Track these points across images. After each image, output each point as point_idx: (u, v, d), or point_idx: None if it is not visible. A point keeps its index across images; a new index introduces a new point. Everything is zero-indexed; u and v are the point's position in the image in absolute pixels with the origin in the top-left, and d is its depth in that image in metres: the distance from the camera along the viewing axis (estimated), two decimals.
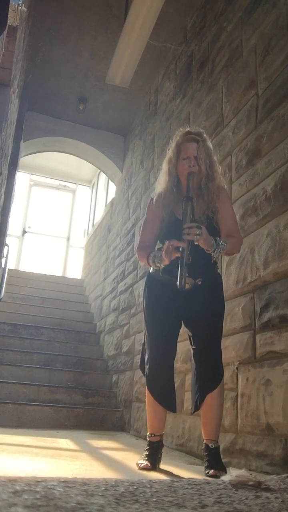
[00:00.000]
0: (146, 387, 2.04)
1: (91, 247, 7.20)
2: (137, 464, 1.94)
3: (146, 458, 1.94)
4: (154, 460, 1.93)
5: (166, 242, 1.85)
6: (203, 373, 1.95)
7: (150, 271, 2.13)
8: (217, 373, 1.95)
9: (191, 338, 2.03)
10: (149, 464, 1.90)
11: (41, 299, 5.96)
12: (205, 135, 2.10)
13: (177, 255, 1.83)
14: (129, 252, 4.63)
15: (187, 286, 1.84)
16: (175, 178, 2.06)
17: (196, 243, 1.83)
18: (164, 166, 2.11)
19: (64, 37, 4.40)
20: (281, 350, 1.90)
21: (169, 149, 2.10)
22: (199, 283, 1.95)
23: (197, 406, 1.93)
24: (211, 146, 2.09)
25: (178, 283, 1.78)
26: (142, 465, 1.91)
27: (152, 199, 2.14)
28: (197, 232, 1.80)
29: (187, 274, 1.79)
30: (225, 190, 2.09)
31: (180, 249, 1.81)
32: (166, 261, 1.88)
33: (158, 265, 1.94)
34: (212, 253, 1.87)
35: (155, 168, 4.22)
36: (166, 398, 2.00)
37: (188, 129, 2.10)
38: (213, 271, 2.06)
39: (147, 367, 2.03)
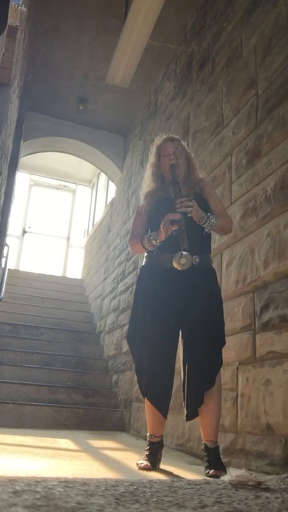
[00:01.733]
0: (144, 396, 1.99)
1: (91, 247, 7.20)
2: (137, 464, 1.94)
3: (146, 458, 1.93)
4: (154, 460, 1.93)
5: (166, 217, 1.97)
6: (195, 381, 1.91)
7: (144, 264, 2.13)
8: (208, 381, 1.90)
9: (186, 336, 2.00)
10: (149, 464, 1.90)
11: (41, 299, 5.96)
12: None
13: (174, 228, 1.94)
14: (129, 252, 4.63)
15: (184, 262, 1.94)
16: (159, 177, 2.21)
17: (189, 215, 1.97)
18: (148, 170, 2.26)
19: (64, 37, 4.40)
20: (281, 350, 1.90)
21: (150, 155, 2.27)
22: (197, 260, 1.98)
23: (190, 414, 1.91)
24: (186, 146, 2.27)
25: (181, 247, 1.90)
26: (142, 465, 1.91)
27: (140, 199, 2.26)
28: (189, 204, 1.96)
29: (186, 238, 1.90)
30: (205, 180, 2.24)
31: (176, 221, 1.93)
32: (163, 236, 1.97)
33: (154, 242, 2.02)
34: (203, 226, 2.02)
35: None
36: (163, 405, 1.95)
37: (164, 135, 2.30)
38: (207, 253, 2.09)
39: (141, 369, 1.99)
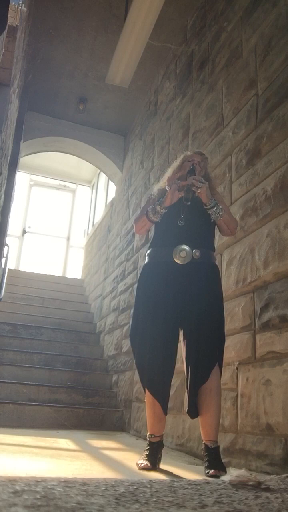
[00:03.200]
0: (146, 388, 2.02)
1: (91, 247, 7.20)
2: (137, 464, 1.94)
3: (146, 458, 1.93)
4: (154, 460, 1.93)
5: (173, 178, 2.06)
6: (194, 378, 1.91)
7: (145, 261, 2.14)
8: (202, 376, 1.90)
9: (185, 333, 2.01)
10: (149, 464, 1.90)
11: (41, 299, 5.96)
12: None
13: (180, 195, 2.00)
14: (129, 252, 4.63)
15: (184, 255, 1.96)
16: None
17: (198, 191, 2.00)
18: (168, 172, 2.29)
19: (64, 37, 4.40)
20: (281, 350, 1.90)
21: (175, 161, 2.32)
22: (197, 254, 1.99)
23: (193, 412, 1.92)
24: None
25: (184, 199, 1.97)
26: (142, 465, 1.91)
27: (151, 191, 2.34)
28: (202, 180, 2.01)
29: (191, 196, 1.96)
30: (217, 190, 2.29)
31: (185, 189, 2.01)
32: (168, 201, 2.02)
33: (159, 208, 2.06)
34: (210, 211, 2.04)
35: (155, 168, 4.22)
36: (164, 399, 1.98)
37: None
38: (209, 249, 2.09)
39: (142, 367, 2.01)
